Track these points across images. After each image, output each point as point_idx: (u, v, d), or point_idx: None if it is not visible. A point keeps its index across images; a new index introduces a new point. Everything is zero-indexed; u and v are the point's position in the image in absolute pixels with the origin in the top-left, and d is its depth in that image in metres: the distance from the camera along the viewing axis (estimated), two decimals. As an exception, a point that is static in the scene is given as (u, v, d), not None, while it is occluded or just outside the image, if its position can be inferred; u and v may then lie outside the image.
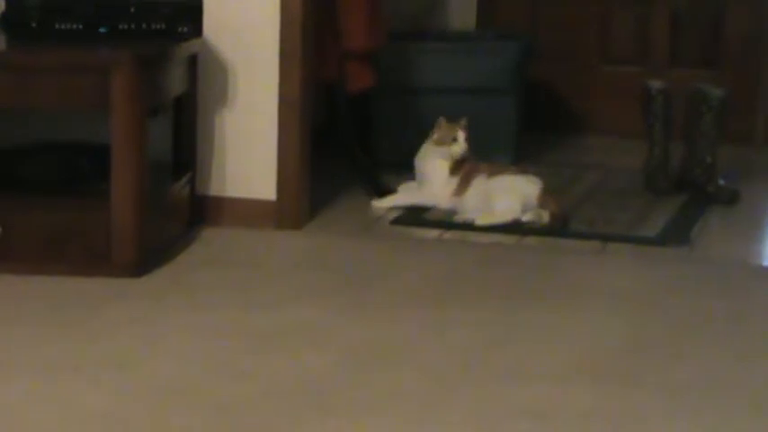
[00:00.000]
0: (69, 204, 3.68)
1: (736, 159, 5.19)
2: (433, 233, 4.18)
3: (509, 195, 4.21)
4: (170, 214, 3.90)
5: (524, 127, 5.12)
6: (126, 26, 3.88)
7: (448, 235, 4.16)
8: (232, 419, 2.70)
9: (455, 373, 2.99)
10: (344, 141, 4.73)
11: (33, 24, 3.89)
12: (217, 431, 2.65)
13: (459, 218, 4.25)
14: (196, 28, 3.94)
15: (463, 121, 4.34)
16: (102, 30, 3.88)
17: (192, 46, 3.94)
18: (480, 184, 4.29)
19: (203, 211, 4.11)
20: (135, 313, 3.35)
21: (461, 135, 4.32)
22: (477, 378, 2.96)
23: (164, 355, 3.07)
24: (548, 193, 4.24)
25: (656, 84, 4.74)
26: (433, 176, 4.36)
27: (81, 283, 3.54)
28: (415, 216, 4.34)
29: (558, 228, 4.17)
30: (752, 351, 3.18)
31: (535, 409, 2.78)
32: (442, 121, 4.35)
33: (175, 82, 3.88)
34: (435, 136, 4.36)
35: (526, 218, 4.15)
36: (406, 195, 4.42)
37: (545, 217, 4.15)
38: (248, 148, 4.11)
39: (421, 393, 2.86)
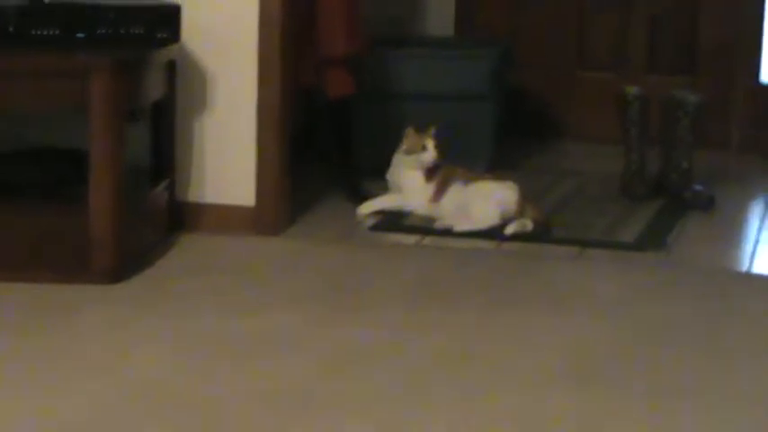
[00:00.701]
0: (47, 210, 3.68)
1: (712, 165, 5.22)
2: (412, 239, 4.18)
3: (487, 202, 4.22)
4: (148, 220, 3.89)
5: (503, 133, 5.13)
6: (104, 31, 3.87)
7: (427, 240, 4.17)
8: (211, 425, 2.70)
9: (435, 378, 2.99)
10: (324, 148, 4.73)
11: (10, 29, 3.87)
12: (197, 437, 2.65)
13: (438, 224, 4.26)
14: (174, 33, 3.93)
15: (431, 129, 4.35)
16: (79, 35, 3.87)
17: (170, 51, 3.93)
18: (457, 191, 4.30)
19: (182, 217, 4.10)
20: (113, 319, 3.34)
21: (431, 143, 4.33)
22: (458, 383, 2.96)
23: (142, 360, 3.06)
24: (526, 199, 4.25)
25: (632, 90, 4.76)
26: (408, 186, 4.37)
27: (59, 290, 3.53)
28: (394, 222, 4.34)
29: (543, 233, 4.18)
30: (729, 354, 3.20)
31: (515, 414, 2.79)
32: (409, 130, 4.36)
33: (154, 87, 3.87)
34: (404, 146, 4.37)
35: (511, 230, 4.15)
36: (388, 198, 4.42)
37: (529, 225, 4.16)
38: (227, 153, 4.11)
39: (401, 398, 2.86)
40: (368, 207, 4.40)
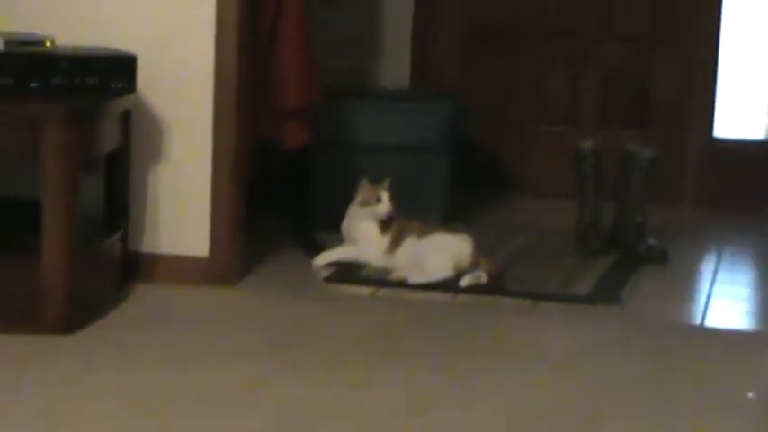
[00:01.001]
0: (-1, 260, 3.66)
1: (666, 219, 5.26)
2: (367, 291, 4.18)
3: (441, 254, 4.23)
4: (101, 271, 3.86)
5: (457, 186, 5.15)
6: (59, 81, 3.86)
7: (381, 292, 4.16)
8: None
9: None
10: (280, 199, 4.73)
11: (-36, 79, 3.86)
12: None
13: (393, 276, 4.26)
14: (130, 83, 3.92)
15: (386, 181, 4.36)
16: (34, 85, 3.86)
17: (125, 101, 3.93)
18: (411, 244, 4.31)
19: (136, 268, 4.07)
20: (63, 372, 3.30)
21: (385, 195, 4.34)
22: (410, 437, 2.95)
23: (92, 414, 3.03)
24: (480, 252, 4.26)
25: (587, 144, 4.79)
26: (364, 238, 4.37)
27: (9, 341, 3.49)
28: (349, 273, 4.34)
29: (497, 286, 4.18)
30: (678, 412, 3.20)
31: (468, 469, 2.78)
32: (364, 182, 4.37)
33: (108, 137, 3.86)
34: (359, 198, 4.37)
35: (466, 282, 4.15)
36: (344, 249, 4.41)
37: (483, 277, 4.17)
38: (181, 204, 4.10)
39: (354, 452, 2.85)
40: (324, 258, 4.40)
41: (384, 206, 4.34)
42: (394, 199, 4.34)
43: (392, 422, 3.04)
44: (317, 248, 4.48)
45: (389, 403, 3.16)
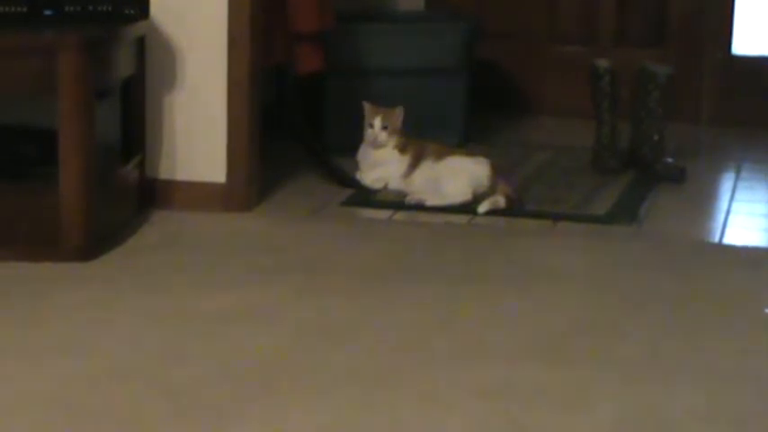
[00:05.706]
0: (18, 189, 3.66)
1: (683, 137, 5.24)
2: (384, 214, 4.18)
3: (459, 177, 4.22)
4: (119, 197, 3.88)
5: (473, 107, 5.13)
6: (71, 8, 3.85)
7: (398, 215, 4.17)
8: (182, 402, 2.70)
9: (407, 353, 3.00)
10: (294, 124, 4.71)
11: (-23, 7, 3.85)
12: (167, 414, 2.64)
13: (409, 199, 4.26)
14: (143, 10, 3.91)
15: (382, 108, 4.31)
16: (47, 12, 3.85)
17: (139, 28, 3.91)
18: (428, 167, 4.29)
19: (153, 194, 4.09)
20: (84, 297, 3.33)
21: (378, 121, 4.31)
22: (429, 358, 2.97)
23: (113, 338, 3.05)
24: (498, 174, 4.25)
25: (603, 63, 4.76)
26: (382, 162, 4.36)
27: (29, 268, 3.52)
28: (366, 197, 4.34)
29: (516, 209, 4.17)
30: (696, 328, 3.21)
31: (487, 388, 2.80)
32: (365, 105, 4.35)
33: (123, 65, 3.86)
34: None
35: (484, 209, 4.13)
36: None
37: (501, 202, 4.15)
38: (197, 130, 4.10)
39: (373, 374, 2.87)
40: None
41: (374, 132, 4.32)
42: (392, 126, 4.30)
43: (408, 343, 3.06)
44: (346, 178, 4.44)
45: (405, 324, 3.18)
